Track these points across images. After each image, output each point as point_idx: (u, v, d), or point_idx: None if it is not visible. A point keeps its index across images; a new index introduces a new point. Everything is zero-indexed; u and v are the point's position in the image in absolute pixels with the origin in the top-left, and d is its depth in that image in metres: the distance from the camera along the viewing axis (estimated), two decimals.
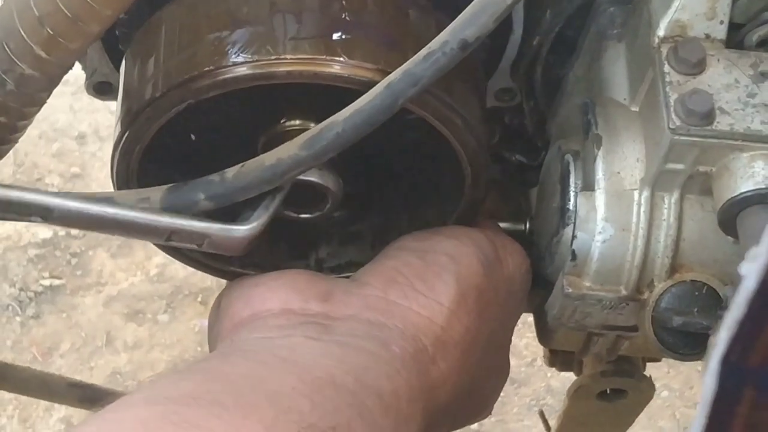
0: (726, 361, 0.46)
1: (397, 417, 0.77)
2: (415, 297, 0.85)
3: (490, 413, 1.02)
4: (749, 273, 0.45)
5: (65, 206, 0.79)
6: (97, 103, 1.04)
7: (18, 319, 2.19)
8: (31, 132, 2.33)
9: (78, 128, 2.39)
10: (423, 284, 0.86)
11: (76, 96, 2.25)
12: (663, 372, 2.15)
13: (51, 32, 0.75)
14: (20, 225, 2.28)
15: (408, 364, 0.81)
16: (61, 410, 2.07)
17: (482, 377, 0.91)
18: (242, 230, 0.84)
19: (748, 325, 0.46)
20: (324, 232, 1.01)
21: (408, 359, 0.81)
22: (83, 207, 0.80)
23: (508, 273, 0.92)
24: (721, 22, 0.84)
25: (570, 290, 0.87)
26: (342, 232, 1.01)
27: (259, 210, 0.84)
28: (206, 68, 0.81)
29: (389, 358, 0.80)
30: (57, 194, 0.79)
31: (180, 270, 2.16)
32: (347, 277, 0.94)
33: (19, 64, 0.77)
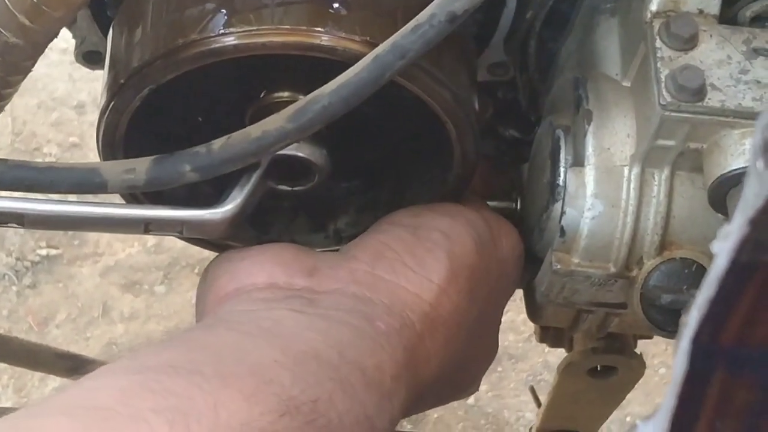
0: (697, 341, 0.45)
1: (380, 392, 0.76)
2: (403, 272, 0.85)
3: (477, 390, 1.01)
4: (720, 251, 0.44)
5: (37, 211, 0.80)
6: (97, 72, 1.03)
7: (14, 288, 2.18)
8: (30, 101, 2.33)
9: (77, 97, 2.38)
10: (413, 259, 0.86)
11: (75, 65, 2.21)
12: (661, 349, 2.15)
13: (35, 0, 0.75)
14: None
15: (393, 339, 0.80)
16: (56, 380, 2.07)
17: (469, 356, 0.91)
18: (218, 213, 0.84)
19: (719, 305, 0.45)
20: (341, 201, 1.01)
21: (393, 335, 0.80)
22: (56, 210, 0.81)
23: (502, 255, 0.92)
24: None
25: (558, 266, 0.87)
26: (358, 200, 1.01)
27: (235, 191, 0.84)
28: (192, 38, 0.80)
29: (374, 334, 0.79)
30: (28, 200, 0.80)
31: (177, 241, 2.15)
32: (337, 250, 0.94)
33: (3, 32, 0.76)
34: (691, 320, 0.45)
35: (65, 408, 0.66)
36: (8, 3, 0.76)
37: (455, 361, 0.87)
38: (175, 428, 0.64)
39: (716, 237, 0.45)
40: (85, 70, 1.07)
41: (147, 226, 0.83)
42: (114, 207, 0.82)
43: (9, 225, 0.79)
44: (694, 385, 0.46)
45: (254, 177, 0.84)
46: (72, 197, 0.83)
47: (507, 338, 2.10)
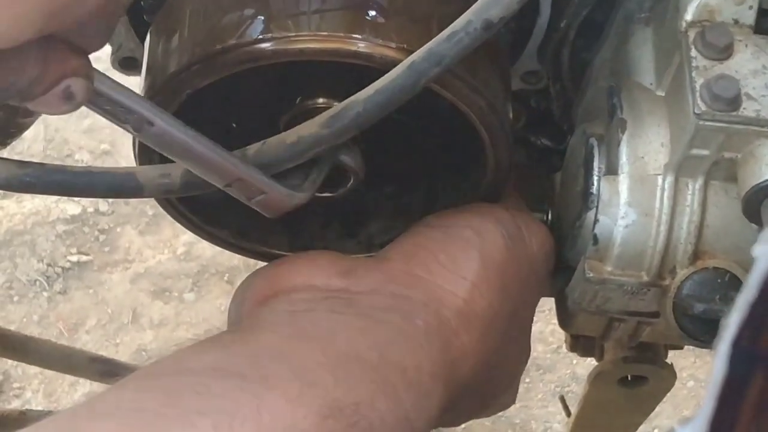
0: (737, 344, 0.45)
1: (419, 391, 0.77)
2: (438, 270, 0.85)
3: (514, 401, 1.01)
4: (762, 255, 0.44)
5: (164, 125, 0.77)
6: (129, 80, 1.04)
7: (45, 294, 2.20)
8: None
9: None
10: (446, 257, 0.86)
11: (108, 73, 2.23)
12: (689, 362, 2.14)
13: None
14: (50, 201, 2.29)
15: (431, 337, 0.80)
16: (85, 385, 2.08)
17: (504, 356, 0.91)
18: (298, 197, 0.84)
19: (759, 308, 0.45)
20: (374, 208, 1.01)
21: (431, 333, 0.81)
22: (178, 132, 0.78)
23: (531, 251, 0.92)
24: (750, 7, 0.83)
25: (591, 274, 0.87)
26: (390, 207, 1.01)
27: (309, 181, 0.84)
28: (230, 43, 0.80)
29: (413, 332, 0.80)
30: (160, 110, 0.77)
31: (207, 249, 2.16)
32: (370, 257, 0.95)
33: None
34: (732, 323, 0.45)
35: (112, 410, 0.67)
36: None
37: (491, 360, 0.87)
38: (220, 430, 0.64)
39: (757, 241, 0.45)
40: (117, 78, 1.07)
41: (232, 182, 0.81)
42: (216, 150, 0.80)
43: (125, 127, 0.76)
44: (733, 389, 0.46)
45: (324, 171, 0.84)
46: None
47: (535, 349, 2.09)
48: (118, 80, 0.75)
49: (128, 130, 0.77)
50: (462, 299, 0.84)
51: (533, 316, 0.97)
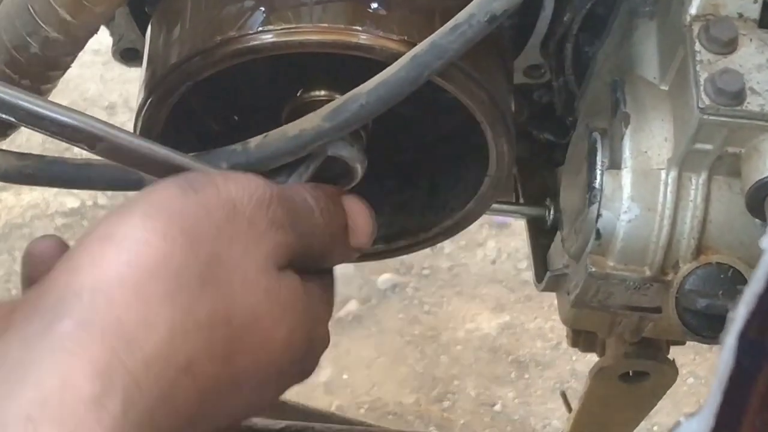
0: (744, 337, 0.45)
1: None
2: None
3: (315, 364, 0.83)
4: None
5: (115, 139, 0.76)
6: (128, 73, 1.04)
7: None
8: (61, 101, 2.32)
9: (108, 98, 2.39)
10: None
11: (107, 66, 2.24)
12: (689, 359, 2.14)
13: None
14: (48, 193, 2.29)
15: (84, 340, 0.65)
16: None
17: (236, 305, 0.74)
18: None
19: (767, 300, 0.45)
20: (376, 202, 1.01)
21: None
22: (132, 143, 0.77)
23: (228, 195, 0.76)
24: (755, 1, 0.83)
25: (594, 269, 0.87)
26: (393, 201, 1.01)
27: (294, 177, 0.84)
28: (230, 35, 0.80)
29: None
30: (110, 126, 0.77)
31: None
32: (401, 245, 0.97)
33: (44, 26, 0.77)
34: (739, 316, 0.45)
35: None
36: None
37: (211, 313, 0.71)
38: None
39: (765, 233, 0.45)
40: (116, 72, 1.07)
41: None
42: (185, 158, 0.79)
43: (80, 146, 0.76)
44: (740, 382, 0.46)
45: (312, 166, 0.84)
46: None
47: (535, 345, 2.09)
48: (114, 75, 0.75)
49: (83, 148, 0.76)
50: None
51: (269, 266, 0.78)
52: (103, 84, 2.40)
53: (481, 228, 2.23)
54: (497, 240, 2.23)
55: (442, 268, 2.19)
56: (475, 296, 2.17)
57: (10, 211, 2.28)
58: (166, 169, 0.78)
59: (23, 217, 2.26)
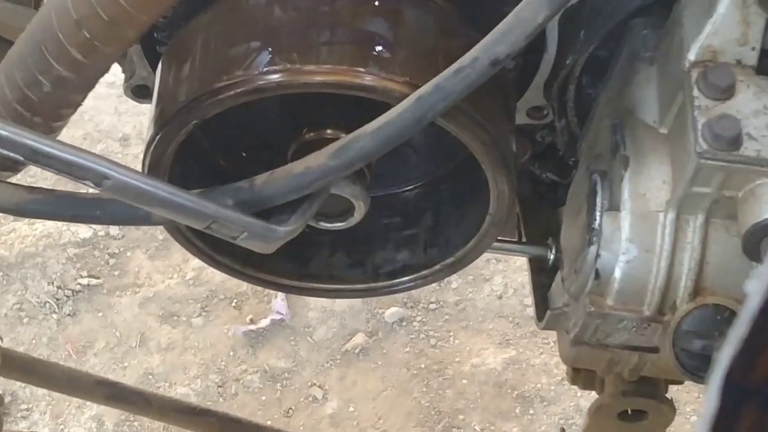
0: (729, 378, 0.46)
1: None
2: None
3: None
4: (754, 291, 0.45)
5: (120, 177, 0.78)
6: (142, 106, 1.05)
7: (54, 316, 2.20)
8: (76, 132, 2.36)
9: (122, 130, 2.41)
10: None
11: (121, 98, 2.24)
12: (693, 396, 2.13)
13: (88, 35, 0.76)
14: (61, 224, 2.30)
15: None
16: (92, 408, 2.09)
17: None
18: (281, 231, 0.85)
19: (751, 343, 0.46)
20: (380, 238, 1.02)
21: None
22: (138, 181, 0.79)
23: None
24: (753, 49, 0.84)
25: (592, 309, 0.88)
26: (396, 237, 1.02)
27: (297, 214, 0.85)
28: (236, 75, 0.82)
29: None
30: (116, 164, 0.79)
31: (216, 274, 2.16)
32: (404, 282, 0.97)
33: (56, 65, 0.78)
34: (724, 358, 0.46)
35: None
36: (62, 38, 0.77)
37: None
38: None
39: (750, 277, 0.46)
40: (130, 104, 1.09)
41: (211, 224, 0.83)
42: (189, 196, 0.81)
43: (87, 183, 0.78)
44: (725, 423, 0.47)
45: (315, 204, 0.85)
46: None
47: (540, 381, 2.09)
48: (128, 107, 0.77)
49: (89, 186, 0.78)
50: None
51: None
52: (117, 116, 2.42)
53: (488, 263, 2.24)
54: (504, 275, 2.24)
55: (449, 302, 2.20)
56: (482, 331, 2.17)
57: (23, 240, 2.29)
58: (170, 207, 0.80)
59: (36, 246, 2.28)
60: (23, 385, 2.08)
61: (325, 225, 0.94)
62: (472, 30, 0.87)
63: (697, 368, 0.86)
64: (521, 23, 0.77)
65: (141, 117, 2.37)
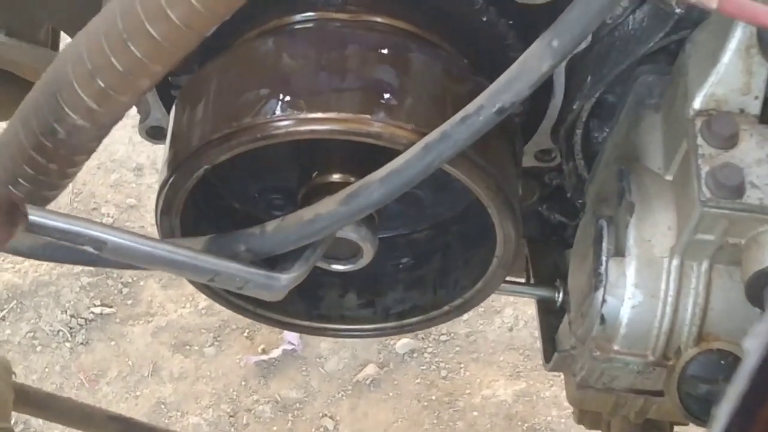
0: None
1: None
2: None
3: None
4: (752, 348, 0.46)
5: (118, 240, 0.81)
6: (156, 148, 1.06)
7: (67, 345, 2.22)
8: (90, 162, 2.36)
9: (136, 160, 2.43)
10: None
11: (136, 129, 2.26)
12: None
13: (102, 85, 0.77)
14: None
15: None
16: None
17: None
18: (284, 279, 0.86)
19: (749, 399, 0.46)
20: (390, 279, 1.03)
21: None
22: (135, 242, 0.81)
23: None
24: (756, 98, 0.85)
25: (598, 353, 0.89)
26: (406, 278, 1.03)
27: (301, 261, 0.86)
28: (245, 122, 0.83)
29: None
30: (111, 228, 0.81)
31: None
32: (413, 322, 0.98)
33: (71, 114, 0.79)
34: (722, 414, 0.47)
35: None
36: (77, 87, 0.78)
37: None
38: None
39: (748, 334, 0.47)
40: (145, 145, 1.09)
41: (213, 277, 0.85)
42: (189, 253, 0.84)
43: (87, 249, 0.80)
44: None
45: (318, 250, 0.86)
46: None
47: (550, 413, 2.09)
48: (144, 147, 0.78)
49: (90, 250, 0.81)
50: None
51: None
52: (131, 146, 2.44)
53: (498, 296, 2.25)
54: (515, 307, 2.24)
55: (460, 334, 2.21)
56: (492, 363, 2.18)
57: (37, 269, 2.31)
58: (170, 265, 0.82)
59: (50, 274, 2.29)
60: None
61: (335, 267, 0.95)
62: (480, 76, 0.88)
63: (702, 412, 0.86)
64: (526, 72, 0.79)
65: (155, 147, 2.38)
